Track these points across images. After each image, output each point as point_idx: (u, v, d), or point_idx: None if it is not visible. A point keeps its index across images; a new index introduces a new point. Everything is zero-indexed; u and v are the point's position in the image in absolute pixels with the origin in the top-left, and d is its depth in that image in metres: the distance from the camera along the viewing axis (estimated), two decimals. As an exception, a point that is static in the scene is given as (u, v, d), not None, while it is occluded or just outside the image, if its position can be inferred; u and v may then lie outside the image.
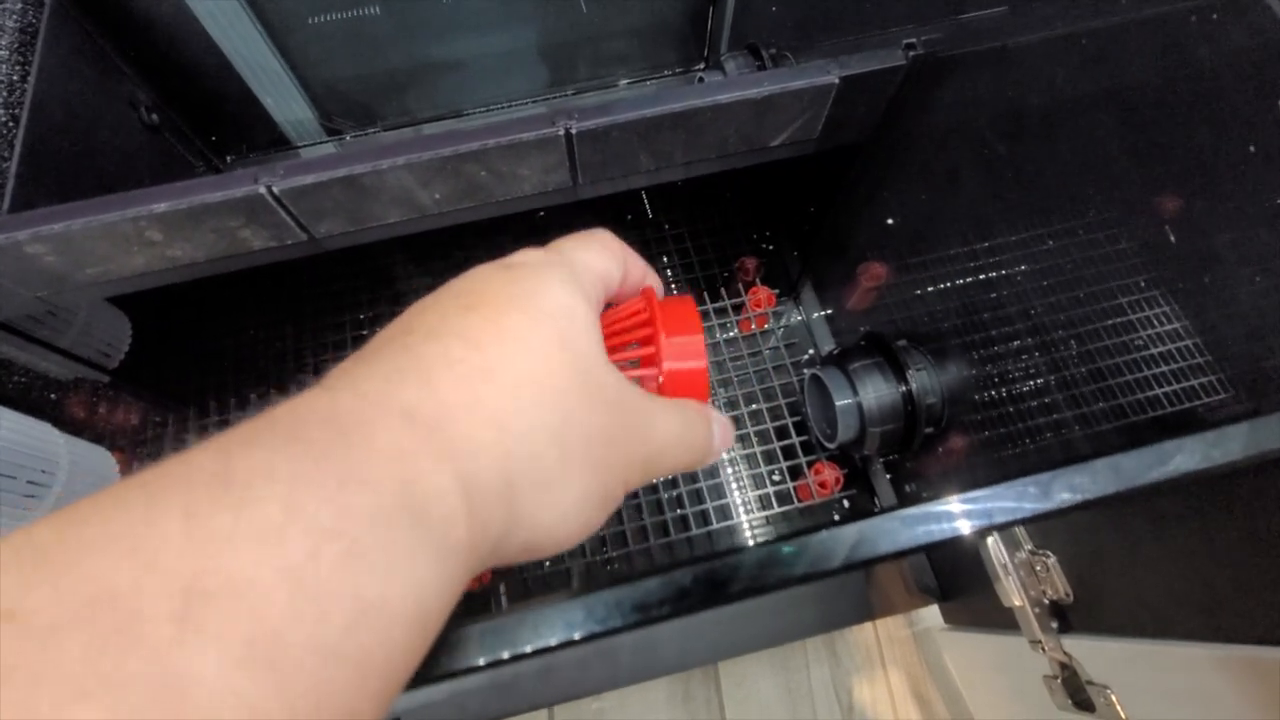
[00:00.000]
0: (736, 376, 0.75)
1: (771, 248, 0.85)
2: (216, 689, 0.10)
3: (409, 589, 0.13)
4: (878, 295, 0.64)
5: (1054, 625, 0.47)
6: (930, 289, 0.54)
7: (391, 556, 0.13)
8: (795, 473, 0.71)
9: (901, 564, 0.70)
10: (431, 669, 0.22)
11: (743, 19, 0.71)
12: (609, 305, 0.22)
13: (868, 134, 0.51)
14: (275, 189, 0.40)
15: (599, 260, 0.21)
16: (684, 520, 0.69)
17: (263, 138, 0.77)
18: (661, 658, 0.66)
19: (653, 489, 0.71)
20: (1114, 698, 0.43)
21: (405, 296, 0.83)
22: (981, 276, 0.46)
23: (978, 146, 0.43)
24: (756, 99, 0.43)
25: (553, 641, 0.22)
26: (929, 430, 0.56)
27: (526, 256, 0.20)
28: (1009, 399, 0.46)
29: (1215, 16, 0.28)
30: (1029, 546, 0.48)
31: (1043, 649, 0.47)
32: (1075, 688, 0.46)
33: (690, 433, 0.20)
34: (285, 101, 0.73)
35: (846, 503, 0.71)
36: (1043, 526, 0.48)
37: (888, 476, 0.69)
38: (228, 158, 0.78)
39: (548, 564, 0.68)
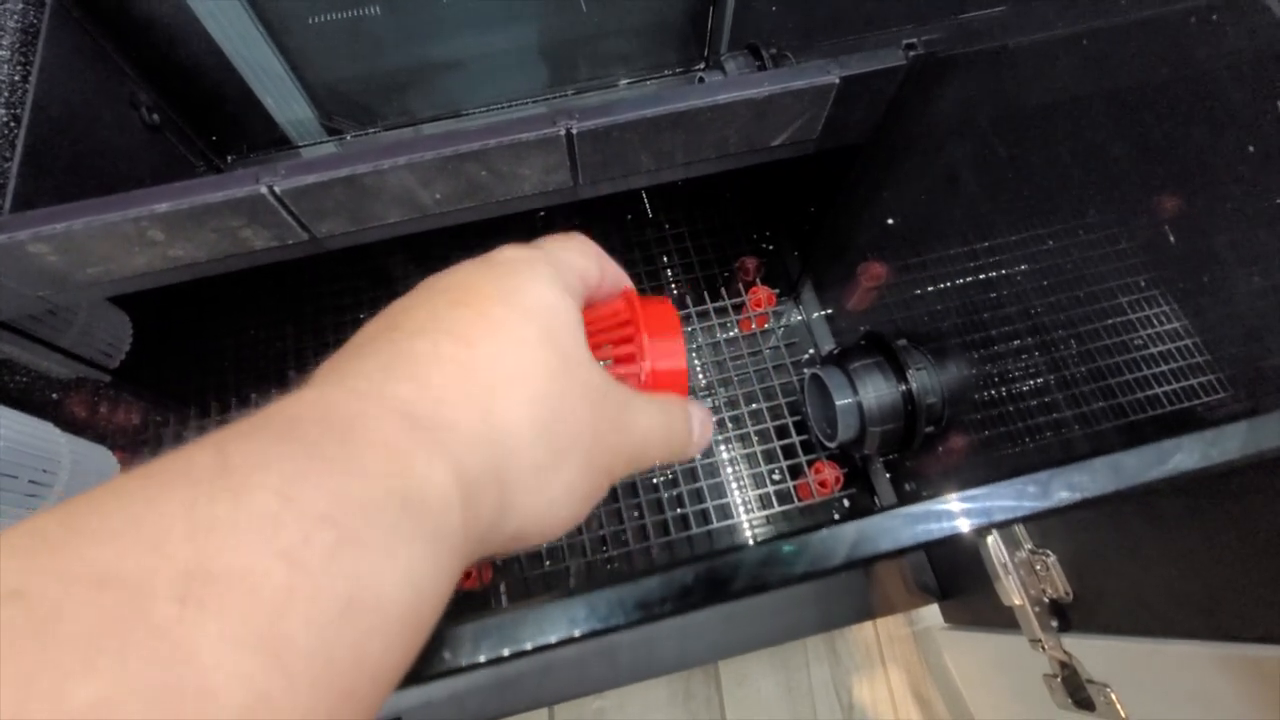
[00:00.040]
0: (736, 376, 0.75)
1: (771, 248, 0.85)
2: (218, 664, 0.10)
3: (404, 575, 0.13)
4: (878, 295, 0.64)
5: (1054, 624, 0.47)
6: (930, 289, 0.54)
7: (386, 543, 0.13)
8: (795, 472, 0.71)
9: (902, 563, 0.70)
10: (434, 666, 0.22)
11: (743, 19, 0.71)
12: (587, 306, 0.22)
13: (868, 134, 0.51)
14: (277, 189, 0.40)
15: (579, 259, 0.21)
16: (684, 519, 0.69)
17: (263, 137, 0.77)
18: (662, 656, 0.66)
19: (653, 488, 0.71)
20: (1114, 696, 0.43)
21: (406, 296, 0.83)
22: (981, 276, 0.47)
23: (978, 146, 0.43)
24: (757, 99, 0.43)
25: (554, 638, 0.22)
26: (929, 430, 0.56)
27: (509, 253, 0.20)
28: (1009, 398, 0.46)
29: (1215, 17, 0.28)
30: (1029, 545, 0.48)
31: (1043, 648, 0.47)
32: (1075, 686, 0.46)
33: (671, 427, 0.21)
34: (286, 101, 0.73)
35: (847, 502, 0.71)
36: (1042, 525, 0.48)
37: (888, 476, 0.70)
38: (228, 157, 0.78)
39: (548, 563, 0.68)
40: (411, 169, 0.41)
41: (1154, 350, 0.34)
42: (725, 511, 0.69)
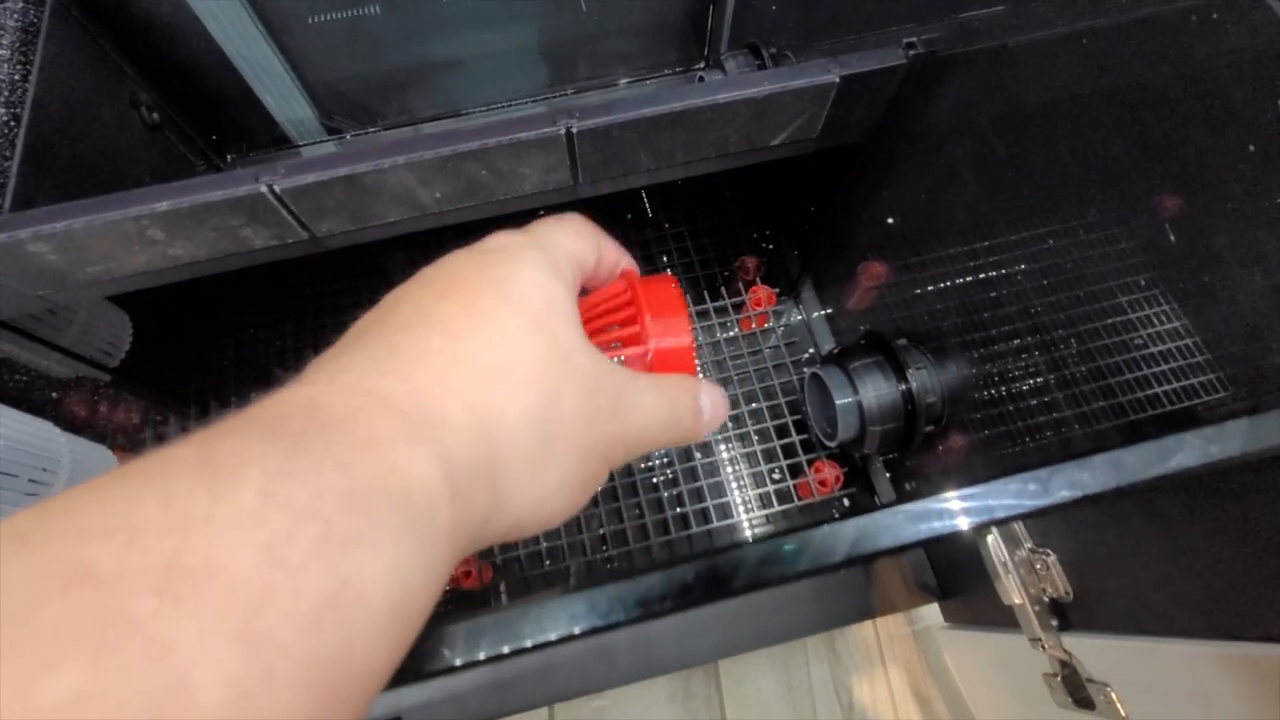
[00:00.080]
0: (736, 375, 0.75)
1: (771, 247, 0.85)
2: (196, 656, 0.10)
3: (390, 570, 0.13)
4: (878, 294, 0.64)
5: (1054, 623, 0.47)
6: (930, 288, 0.54)
7: (372, 539, 0.13)
8: (795, 471, 0.71)
9: (901, 562, 0.70)
10: (433, 664, 0.22)
11: (743, 18, 0.71)
12: (585, 290, 0.22)
13: (868, 133, 0.51)
14: (277, 188, 0.40)
15: (572, 242, 0.21)
16: (684, 518, 0.69)
17: (263, 137, 0.77)
18: (662, 656, 0.66)
19: (653, 487, 0.71)
20: (1114, 695, 0.43)
21: (406, 296, 0.83)
22: (981, 275, 0.47)
23: (978, 145, 0.43)
24: (757, 98, 0.43)
25: (555, 635, 0.22)
26: (929, 429, 0.56)
27: (500, 240, 0.20)
28: (1009, 398, 0.46)
29: (1215, 16, 0.28)
30: (1029, 544, 0.48)
31: (1043, 647, 0.47)
32: (1075, 685, 0.46)
33: (674, 410, 0.20)
34: (286, 100, 0.73)
35: (847, 501, 0.71)
36: (1042, 524, 0.48)
37: (888, 475, 0.70)
38: (228, 156, 0.78)
39: (548, 563, 0.68)
40: (411, 168, 0.41)
41: (1154, 349, 0.34)
42: (725, 511, 0.69)
